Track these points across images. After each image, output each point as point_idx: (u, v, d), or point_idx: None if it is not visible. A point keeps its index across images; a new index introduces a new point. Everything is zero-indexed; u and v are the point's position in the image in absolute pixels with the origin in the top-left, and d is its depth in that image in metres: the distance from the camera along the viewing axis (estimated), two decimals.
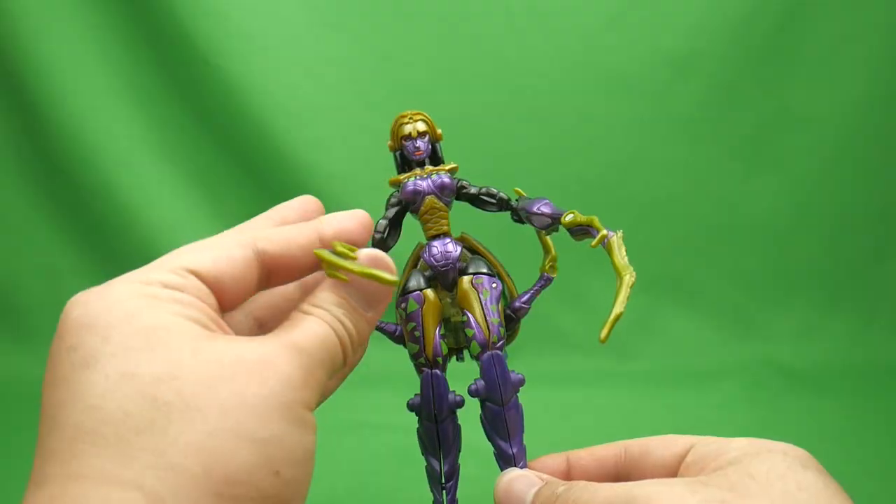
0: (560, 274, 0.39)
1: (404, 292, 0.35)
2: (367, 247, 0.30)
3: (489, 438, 0.35)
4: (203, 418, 0.21)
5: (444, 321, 0.36)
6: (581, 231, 0.35)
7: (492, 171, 0.95)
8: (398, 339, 0.37)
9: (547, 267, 0.39)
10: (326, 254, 0.26)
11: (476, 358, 0.35)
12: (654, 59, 0.95)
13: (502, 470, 0.35)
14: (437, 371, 0.35)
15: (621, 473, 0.33)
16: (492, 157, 0.95)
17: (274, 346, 0.24)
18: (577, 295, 0.95)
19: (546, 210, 0.36)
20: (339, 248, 0.27)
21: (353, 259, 0.27)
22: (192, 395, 0.22)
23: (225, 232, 0.28)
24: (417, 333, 0.35)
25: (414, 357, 0.35)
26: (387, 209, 0.37)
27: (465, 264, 0.36)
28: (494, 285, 0.36)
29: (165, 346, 0.22)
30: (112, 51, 0.91)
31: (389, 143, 0.38)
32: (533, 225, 0.37)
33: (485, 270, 0.36)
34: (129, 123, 0.92)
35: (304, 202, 0.32)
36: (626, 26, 0.94)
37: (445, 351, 0.35)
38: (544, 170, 0.95)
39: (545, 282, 0.39)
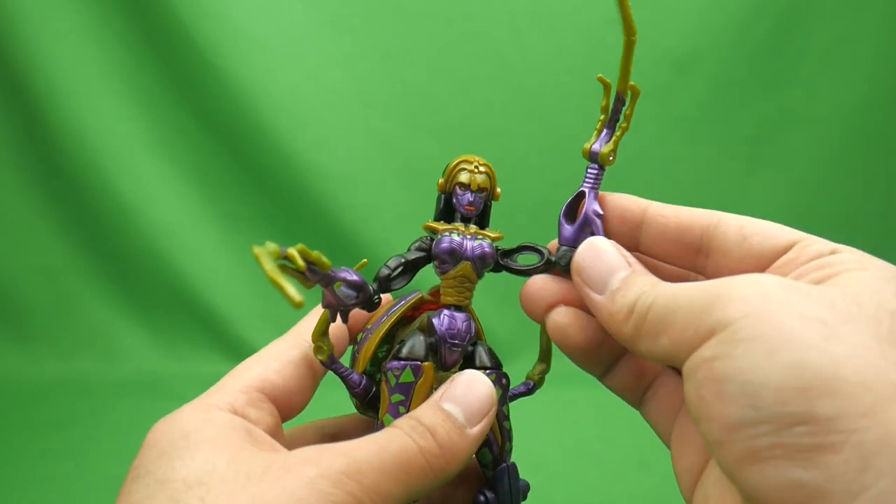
0: None
1: (399, 357, 0.30)
2: (369, 284, 0.29)
3: None
4: None
5: None
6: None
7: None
8: (361, 392, 0.31)
9: (536, 377, 0.34)
10: (260, 251, 0.23)
11: (486, 467, 0.32)
12: (654, 58, 0.95)
13: None
14: None
15: (702, 250, 0.30)
16: (492, 157, 0.95)
17: (313, 452, 0.25)
18: None
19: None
20: (290, 252, 0.24)
21: (301, 266, 0.25)
22: (214, 498, 0.23)
23: (286, 336, 0.31)
24: (402, 409, 0.30)
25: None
26: (409, 251, 0.32)
27: (471, 347, 0.32)
28: (504, 381, 0.31)
29: (204, 457, 0.24)
30: (112, 51, 0.91)
31: (441, 181, 0.33)
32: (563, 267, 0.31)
33: (491, 364, 0.31)
34: (129, 123, 0.92)
35: None
36: None
37: None
38: (545, 169, 0.95)
39: (527, 390, 0.34)
